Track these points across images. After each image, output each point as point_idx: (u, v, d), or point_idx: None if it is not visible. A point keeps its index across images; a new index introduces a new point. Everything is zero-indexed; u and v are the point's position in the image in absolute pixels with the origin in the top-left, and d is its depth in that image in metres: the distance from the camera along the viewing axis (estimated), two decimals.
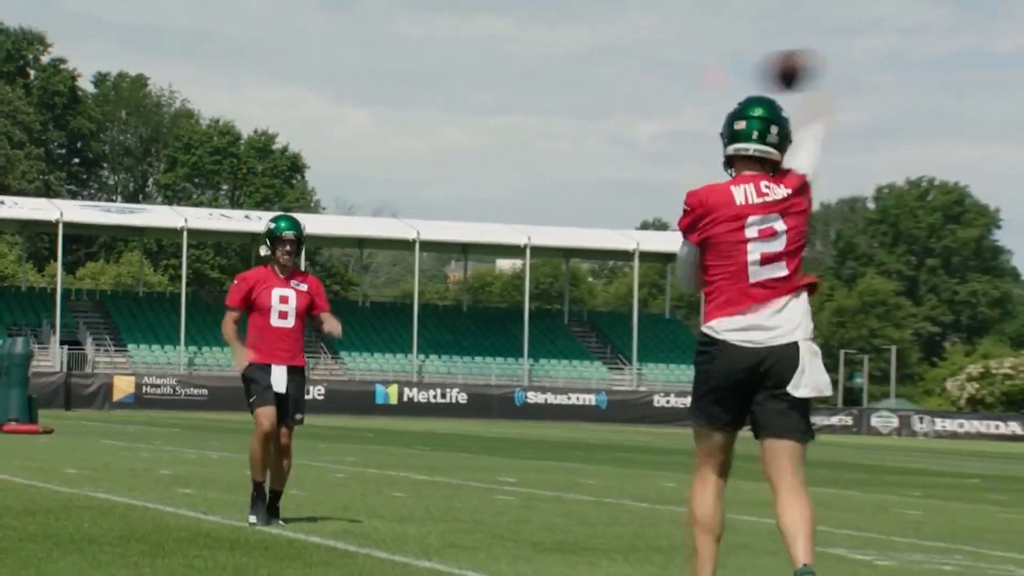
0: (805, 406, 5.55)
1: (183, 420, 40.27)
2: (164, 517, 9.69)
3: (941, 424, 60.95)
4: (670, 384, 60.45)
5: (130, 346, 58.12)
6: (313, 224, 57.99)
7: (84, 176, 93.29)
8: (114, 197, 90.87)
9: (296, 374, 9.64)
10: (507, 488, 14.31)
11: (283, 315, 9.60)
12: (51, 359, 54.45)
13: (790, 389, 5.47)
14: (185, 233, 58.85)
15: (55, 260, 62.42)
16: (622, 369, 62.52)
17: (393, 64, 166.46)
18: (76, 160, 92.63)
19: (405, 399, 55.57)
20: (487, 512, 11.22)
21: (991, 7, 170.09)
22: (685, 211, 5.63)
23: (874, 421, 60.85)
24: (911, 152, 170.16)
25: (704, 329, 5.61)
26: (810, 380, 5.50)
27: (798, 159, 5.68)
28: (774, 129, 5.62)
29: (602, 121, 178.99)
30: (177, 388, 52.92)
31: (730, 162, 5.68)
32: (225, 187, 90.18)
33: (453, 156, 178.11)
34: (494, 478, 15.93)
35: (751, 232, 5.52)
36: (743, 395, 5.53)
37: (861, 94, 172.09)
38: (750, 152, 5.61)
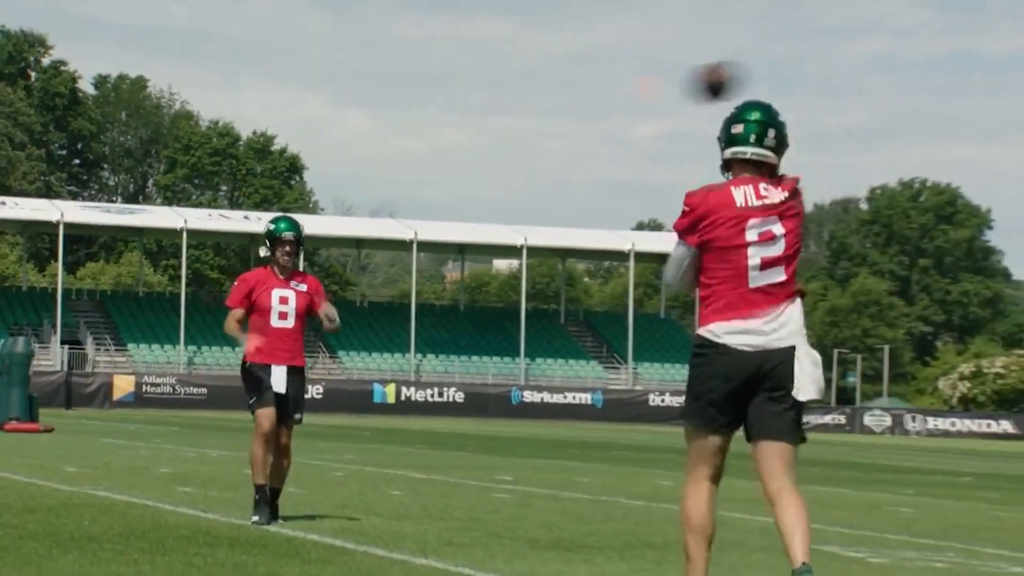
0: (799, 409, 5.58)
1: (182, 419, 40.25)
2: (164, 515, 9.69)
3: (933, 423, 60.98)
4: (665, 383, 60.46)
5: (130, 345, 58.10)
6: (311, 224, 57.94)
7: (84, 177, 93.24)
8: (114, 198, 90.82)
9: (296, 374, 9.63)
10: (504, 486, 14.31)
11: (283, 316, 9.60)
12: (52, 358, 54.42)
13: (793, 392, 5.50)
14: (184, 233, 58.83)
15: (56, 260, 62.38)
16: (618, 368, 62.53)
17: (391, 65, 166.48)
18: (76, 161, 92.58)
19: (403, 398, 55.56)
20: (484, 510, 11.22)
21: (983, 10, 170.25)
22: (684, 212, 5.59)
23: (867, 420, 60.88)
24: (904, 153, 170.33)
25: (702, 332, 5.56)
26: (810, 383, 5.53)
27: None
28: (771, 132, 5.62)
29: (599, 122, 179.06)
30: (177, 387, 52.90)
31: (727, 165, 5.67)
32: (224, 188, 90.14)
33: (451, 157, 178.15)
34: (491, 476, 15.93)
35: (751, 235, 5.51)
36: (740, 398, 5.52)
37: (855, 95, 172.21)
38: (748, 156, 5.59)
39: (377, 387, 55.72)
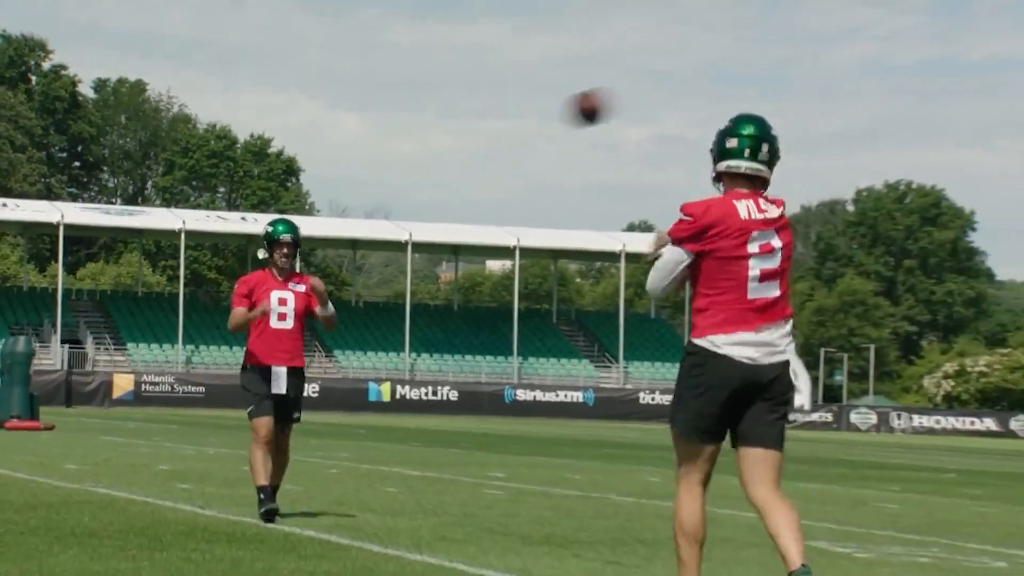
0: (787, 419, 5.61)
1: (181, 417, 40.21)
2: (163, 511, 9.68)
3: (918, 420, 61.04)
4: (655, 382, 60.47)
5: (129, 345, 58.02)
6: (308, 226, 57.78)
7: (84, 179, 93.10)
8: (114, 199, 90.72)
9: (296, 375, 9.61)
10: (496, 483, 14.31)
11: (282, 317, 9.58)
12: (52, 357, 54.34)
13: (795, 403, 5.56)
14: (183, 234, 58.76)
15: (56, 261, 62.29)
16: (609, 367, 62.53)
17: (386, 70, 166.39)
18: (77, 163, 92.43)
19: (397, 396, 55.52)
20: (477, 506, 11.21)
21: (965, 16, 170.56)
22: (687, 220, 5.52)
23: (853, 418, 60.93)
24: (889, 156, 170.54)
25: (701, 343, 5.51)
26: (801, 395, 5.60)
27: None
28: (764, 147, 5.60)
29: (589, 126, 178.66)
30: (175, 386, 52.83)
31: (719, 178, 5.66)
32: (222, 190, 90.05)
33: (444, 159, 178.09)
34: (484, 473, 15.92)
35: (753, 247, 5.51)
36: (736, 407, 5.52)
37: (842, 99, 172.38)
38: (742, 170, 5.58)
39: (372, 385, 55.69)
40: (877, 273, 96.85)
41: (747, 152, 5.58)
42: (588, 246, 67.23)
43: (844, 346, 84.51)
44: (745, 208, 5.53)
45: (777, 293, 5.56)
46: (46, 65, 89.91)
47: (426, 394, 55.99)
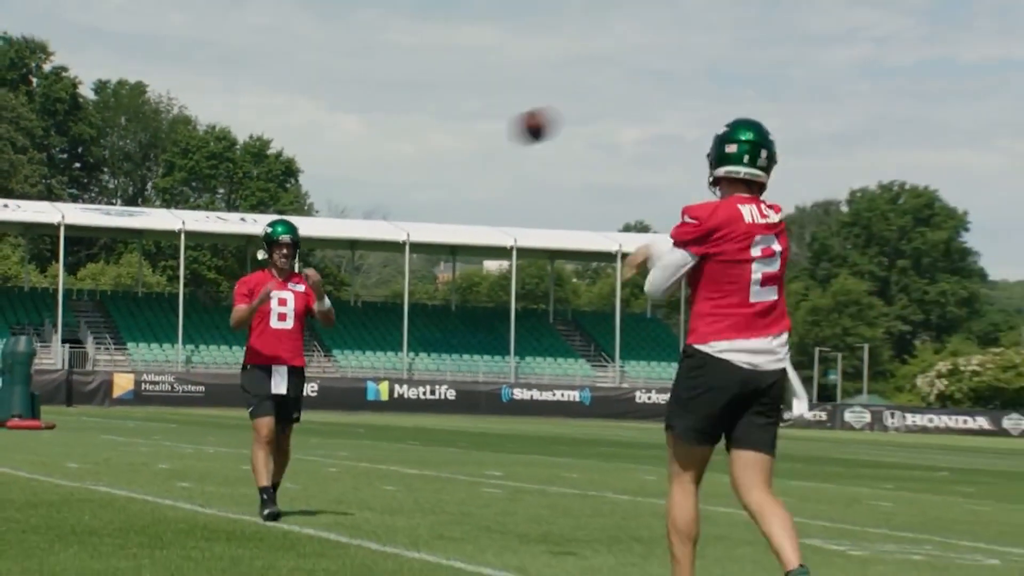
0: (779, 424, 5.62)
1: (181, 416, 40.18)
2: (162, 510, 9.67)
3: (912, 419, 61.07)
4: (651, 381, 60.46)
5: (129, 344, 57.98)
6: (306, 227, 57.68)
7: (85, 180, 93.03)
8: (114, 200, 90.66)
9: (296, 375, 9.60)
10: (494, 481, 14.31)
11: (282, 317, 9.57)
12: (53, 357, 54.31)
13: (798, 411, 5.57)
14: (183, 235, 58.73)
15: (57, 261, 62.25)
16: (605, 367, 62.52)
17: (384, 72, 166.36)
18: (77, 165, 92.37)
19: (396, 395, 55.50)
20: (474, 504, 11.21)
21: (960, 19, 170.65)
22: (692, 223, 5.48)
23: (847, 416, 60.95)
24: (883, 157, 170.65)
25: (702, 347, 5.48)
26: (802, 401, 5.61)
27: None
28: (763, 152, 5.59)
29: (586, 127, 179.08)
30: (175, 385, 52.79)
31: (716, 182, 5.64)
32: (221, 191, 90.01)
33: (442, 161, 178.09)
34: (481, 472, 15.92)
35: (756, 251, 5.50)
36: (733, 412, 5.52)
37: (836, 101, 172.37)
38: (741, 175, 5.57)
39: (371, 385, 55.66)
40: (871, 273, 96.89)
41: (746, 158, 5.57)
42: (585, 246, 67.22)
43: (838, 345, 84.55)
44: (749, 212, 5.53)
45: (775, 297, 5.56)
46: (47, 67, 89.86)
47: (424, 393, 55.97)
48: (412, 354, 59.75)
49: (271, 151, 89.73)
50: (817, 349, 79.36)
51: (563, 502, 11.90)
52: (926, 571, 8.08)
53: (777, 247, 5.57)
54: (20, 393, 25.60)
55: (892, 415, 61.34)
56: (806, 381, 75.12)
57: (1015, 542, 10.08)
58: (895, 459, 26.66)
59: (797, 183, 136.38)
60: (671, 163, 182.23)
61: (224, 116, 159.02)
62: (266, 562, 7.05)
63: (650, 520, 10.24)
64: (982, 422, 61.25)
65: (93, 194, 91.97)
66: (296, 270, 9.89)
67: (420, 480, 14.09)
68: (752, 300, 5.50)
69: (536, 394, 57.35)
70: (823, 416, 60.37)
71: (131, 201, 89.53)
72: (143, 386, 52.16)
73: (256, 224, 55.71)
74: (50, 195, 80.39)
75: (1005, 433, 59.70)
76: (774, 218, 5.59)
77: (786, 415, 5.63)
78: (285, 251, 9.63)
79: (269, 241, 9.69)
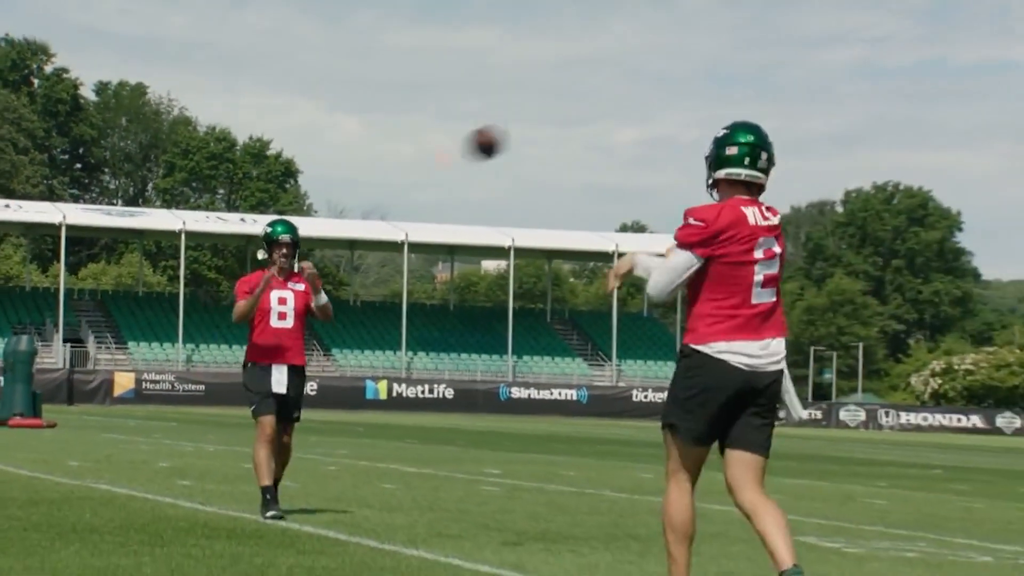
0: (774, 424, 5.63)
1: (181, 414, 40.16)
2: (163, 507, 9.67)
3: (906, 418, 61.10)
4: (648, 380, 60.48)
5: (130, 344, 57.96)
6: (306, 227, 57.73)
7: (86, 180, 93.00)
8: (115, 201, 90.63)
9: (296, 374, 9.59)
10: (492, 479, 14.30)
11: (282, 316, 9.57)
12: (54, 356, 54.29)
13: (795, 414, 5.58)
14: (183, 235, 58.71)
15: (58, 261, 62.22)
16: (602, 366, 62.53)
17: (382, 73, 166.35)
18: (78, 165, 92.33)
19: (394, 394, 55.49)
20: (472, 502, 11.21)
21: (953, 21, 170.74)
22: (698, 225, 5.46)
23: (842, 415, 60.98)
24: (878, 158, 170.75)
25: (702, 348, 5.48)
26: (798, 404, 5.63)
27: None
28: (763, 155, 5.59)
29: (583, 128, 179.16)
30: (175, 384, 52.78)
31: (715, 184, 5.63)
32: (221, 191, 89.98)
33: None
34: (479, 470, 15.91)
35: (758, 253, 5.50)
36: (730, 412, 5.52)
37: (831, 102, 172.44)
38: (742, 177, 5.56)
39: (369, 383, 55.65)
40: (865, 273, 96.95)
41: (747, 160, 5.56)
42: (582, 246, 67.23)
43: (833, 344, 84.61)
44: (752, 215, 5.53)
45: (774, 299, 5.57)
46: (48, 68, 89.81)
47: (422, 392, 55.97)
48: (411, 353, 59.74)
49: (271, 152, 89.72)
50: (812, 348, 79.41)
51: (560, 500, 11.90)
52: (920, 568, 8.08)
53: (777, 249, 5.58)
54: (22, 392, 25.59)
55: (887, 413, 61.37)
56: (802, 380, 75.16)
57: (1008, 539, 10.09)
58: (889, 457, 26.67)
59: (792, 183, 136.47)
60: (668, 164, 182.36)
61: (224, 117, 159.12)
62: (266, 559, 7.05)
63: (647, 518, 10.24)
64: (976, 420, 61.29)
65: (94, 194, 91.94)
66: (296, 270, 9.88)
67: (418, 478, 14.09)
68: (754, 302, 5.50)
69: (534, 393, 57.35)
70: (818, 414, 60.40)
71: (132, 201, 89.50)
72: (144, 385, 52.14)
73: (256, 224, 55.70)
74: (51, 195, 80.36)
75: (998, 431, 59.74)
76: (775, 220, 5.60)
77: (782, 414, 5.63)
78: (285, 251, 9.62)
79: (269, 241, 9.68)
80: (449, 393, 56.14)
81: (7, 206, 59.02)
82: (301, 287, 9.65)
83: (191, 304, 60.50)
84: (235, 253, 79.11)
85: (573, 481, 14.55)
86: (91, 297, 63.20)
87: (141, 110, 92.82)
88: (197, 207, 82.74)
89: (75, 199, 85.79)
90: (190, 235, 60.29)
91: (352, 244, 68.50)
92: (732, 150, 5.58)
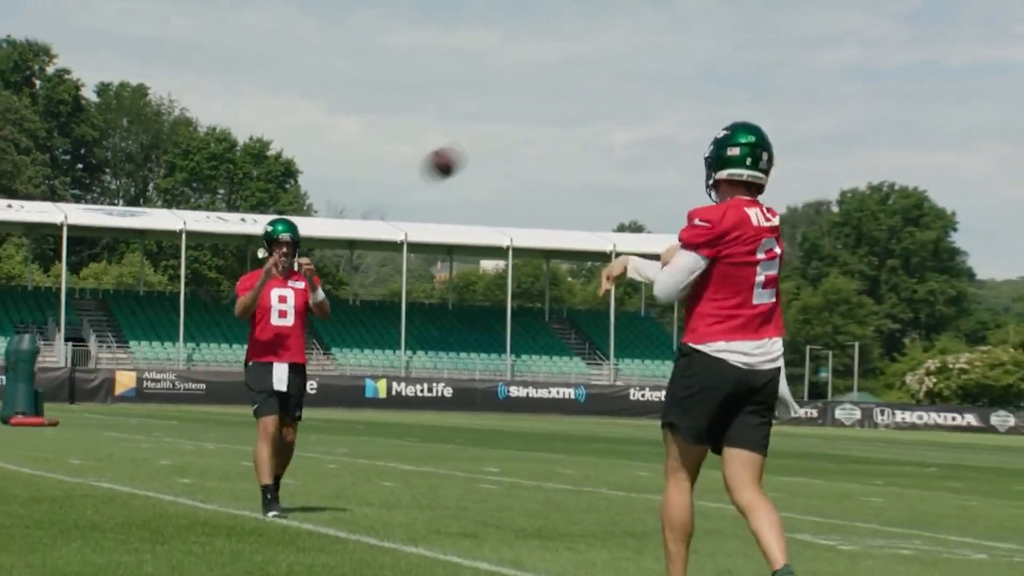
0: (771, 423, 5.63)
1: (182, 413, 40.15)
2: (164, 505, 9.67)
3: (901, 416, 61.11)
4: (645, 379, 60.48)
5: (131, 343, 57.95)
6: (306, 226, 57.67)
7: (87, 181, 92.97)
8: (116, 201, 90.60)
9: (297, 372, 9.58)
10: (490, 477, 14.31)
11: (283, 314, 9.57)
12: (56, 355, 54.27)
13: (792, 412, 5.59)
14: (184, 235, 58.69)
15: (60, 261, 62.16)
16: (600, 364, 62.53)
17: (382, 74, 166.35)
18: (80, 166, 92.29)
19: (394, 393, 55.48)
20: (471, 500, 11.21)
21: (946, 23, 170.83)
22: (704, 226, 5.45)
23: (838, 413, 60.99)
24: (873, 158, 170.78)
25: (701, 347, 5.47)
26: (793, 403, 5.63)
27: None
28: (764, 155, 5.58)
29: (581, 128, 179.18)
30: (176, 383, 52.75)
31: (715, 185, 5.62)
32: (222, 191, 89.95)
33: None
34: (478, 468, 15.92)
35: (761, 254, 5.51)
36: (728, 411, 5.52)
37: (827, 102, 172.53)
38: (744, 178, 5.55)
39: (369, 382, 55.63)
40: (861, 272, 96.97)
41: (748, 160, 5.55)
42: (580, 246, 67.22)
43: (829, 343, 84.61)
44: (755, 215, 5.53)
45: (774, 300, 5.57)
46: (50, 69, 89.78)
47: (421, 391, 55.95)
48: (410, 352, 59.73)
49: (271, 152, 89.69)
50: (808, 347, 79.41)
51: (558, 497, 11.90)
52: (915, 565, 8.09)
53: (778, 249, 5.58)
54: (24, 390, 25.59)
55: (882, 412, 61.39)
56: (798, 378, 75.14)
57: (1003, 537, 10.09)
58: (885, 455, 26.68)
59: (789, 184, 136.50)
60: (665, 164, 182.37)
61: (224, 118, 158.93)
62: (266, 557, 7.05)
63: (644, 515, 10.24)
64: (970, 419, 61.30)
65: (95, 195, 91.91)
66: (295, 267, 9.88)
67: (418, 476, 14.09)
68: (755, 302, 5.50)
69: (532, 391, 57.35)
70: (814, 413, 60.41)
71: (133, 201, 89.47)
72: (145, 384, 52.11)
73: (256, 224, 55.67)
74: (53, 196, 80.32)
75: (993, 430, 59.76)
76: (775, 221, 5.60)
77: (779, 412, 5.63)
78: (285, 250, 9.63)
79: (269, 240, 9.69)
80: (448, 392, 56.13)
81: (9, 206, 58.99)
82: (301, 285, 9.66)
83: (192, 303, 60.49)
84: (235, 253, 79.07)
85: (571, 479, 14.55)
86: (92, 296, 63.19)
87: (142, 111, 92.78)
88: (198, 207, 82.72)
89: (76, 199, 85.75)
90: (191, 235, 60.27)
91: (352, 244, 68.47)
92: (733, 151, 5.57)
